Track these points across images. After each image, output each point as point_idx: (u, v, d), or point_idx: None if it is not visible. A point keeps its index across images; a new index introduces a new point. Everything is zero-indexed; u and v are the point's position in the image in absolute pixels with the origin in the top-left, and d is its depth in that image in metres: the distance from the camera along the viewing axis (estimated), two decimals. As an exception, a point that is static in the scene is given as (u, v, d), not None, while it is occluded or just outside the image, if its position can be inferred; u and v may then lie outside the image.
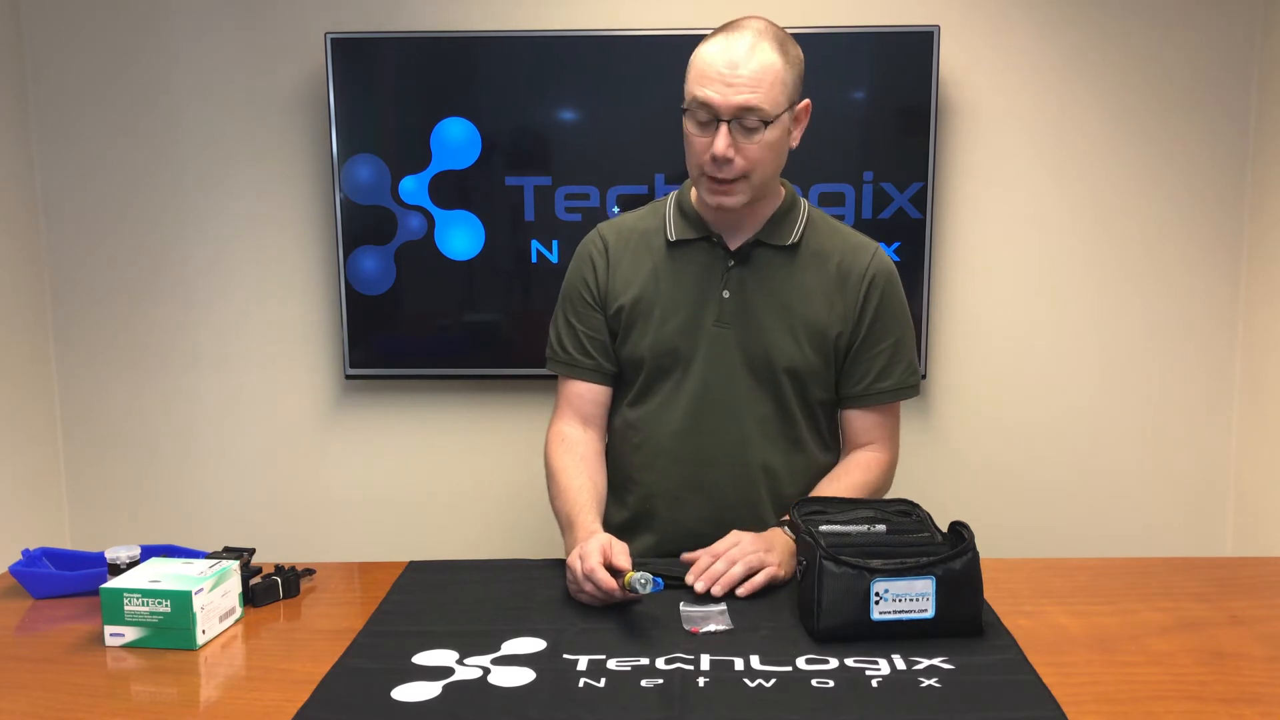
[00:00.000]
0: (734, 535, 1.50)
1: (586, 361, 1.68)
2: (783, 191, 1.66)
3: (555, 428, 1.70)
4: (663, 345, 1.62)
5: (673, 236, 1.64)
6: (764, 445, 1.63)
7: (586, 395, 1.69)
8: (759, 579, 1.44)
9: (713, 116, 1.49)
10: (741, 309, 1.61)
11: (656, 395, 1.65)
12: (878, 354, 1.64)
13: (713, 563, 1.45)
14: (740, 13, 2.51)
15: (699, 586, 1.43)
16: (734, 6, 2.53)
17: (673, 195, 1.69)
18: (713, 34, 1.53)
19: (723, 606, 1.39)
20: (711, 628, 1.33)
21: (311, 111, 2.61)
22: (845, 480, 1.63)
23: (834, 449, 1.72)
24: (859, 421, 1.68)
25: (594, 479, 1.63)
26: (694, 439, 1.63)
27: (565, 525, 1.58)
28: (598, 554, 1.39)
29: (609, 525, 1.64)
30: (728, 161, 1.50)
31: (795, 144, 1.59)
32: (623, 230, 1.69)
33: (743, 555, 1.46)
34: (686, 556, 1.50)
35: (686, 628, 1.33)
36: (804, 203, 1.67)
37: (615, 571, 1.37)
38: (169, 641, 1.31)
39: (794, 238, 1.62)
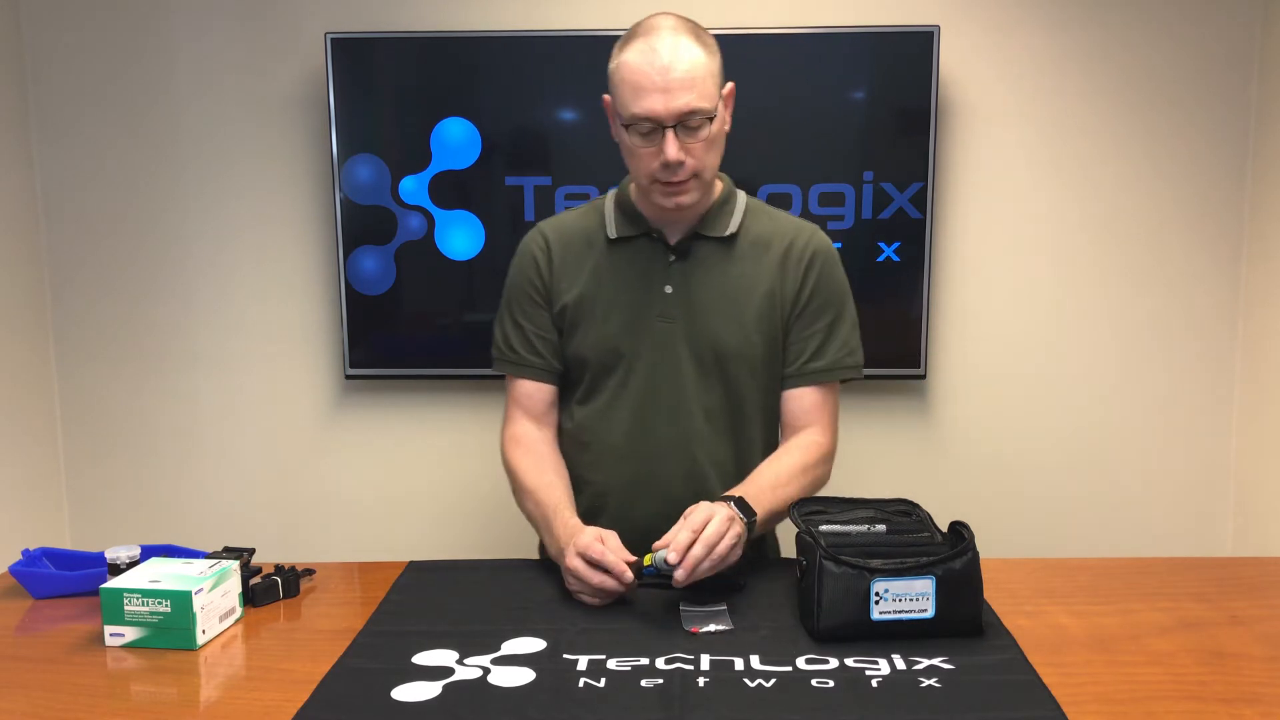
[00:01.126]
0: (703, 512, 1.39)
1: (536, 360, 1.67)
2: (719, 184, 1.65)
3: (509, 431, 1.69)
4: (606, 343, 1.62)
5: (613, 234, 1.64)
6: (712, 438, 1.63)
7: (536, 395, 1.68)
8: (732, 557, 1.40)
9: (656, 125, 1.48)
10: (685, 302, 1.61)
11: (603, 393, 1.64)
12: (813, 333, 1.63)
13: (694, 546, 1.35)
14: (738, 11, 2.53)
15: (680, 572, 1.34)
16: (733, 6, 2.54)
17: (611, 193, 1.69)
18: (627, 41, 1.51)
19: (723, 606, 1.39)
20: (712, 627, 1.33)
21: (311, 111, 2.61)
22: (785, 460, 1.59)
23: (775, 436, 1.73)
24: (794, 403, 1.65)
25: (559, 474, 1.63)
26: (642, 436, 1.63)
27: (542, 524, 1.56)
28: (598, 545, 1.39)
29: None
30: (680, 165, 1.50)
31: (728, 128, 1.57)
32: (563, 229, 1.68)
33: (721, 548, 1.37)
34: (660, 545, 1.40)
35: (686, 628, 1.33)
36: (741, 193, 1.68)
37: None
38: (169, 641, 1.31)
39: (733, 228, 1.62)
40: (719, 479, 1.62)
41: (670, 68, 1.46)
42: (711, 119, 1.49)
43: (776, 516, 1.55)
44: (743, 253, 1.62)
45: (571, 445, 1.69)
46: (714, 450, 1.63)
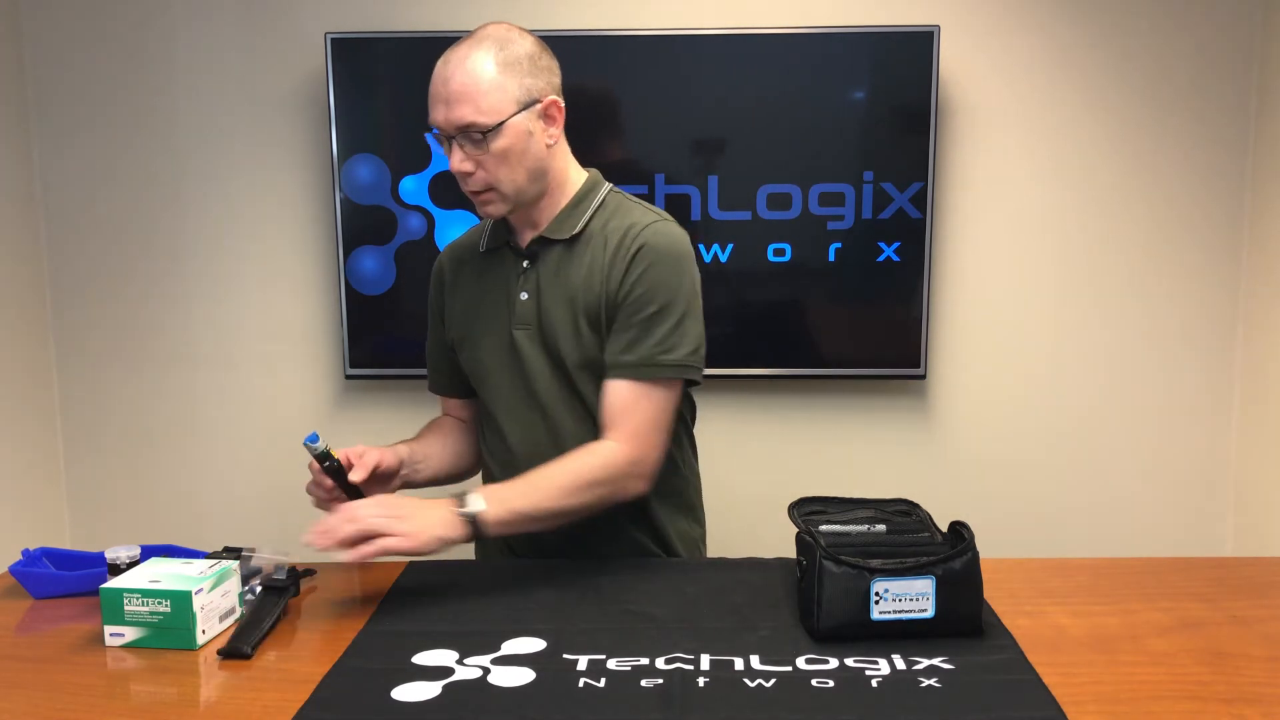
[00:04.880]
0: (376, 497, 1.51)
1: (436, 378, 1.79)
2: (577, 185, 1.61)
3: None
4: (479, 357, 1.64)
5: (483, 247, 1.66)
6: (586, 438, 1.57)
7: (450, 406, 1.81)
8: (368, 549, 1.35)
9: (445, 136, 1.51)
10: (536, 309, 1.59)
11: (486, 409, 1.67)
12: (630, 325, 1.53)
13: (329, 518, 1.40)
14: (735, 12, 2.53)
15: (304, 538, 1.37)
16: (732, 6, 2.54)
17: None
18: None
19: (284, 556, 1.48)
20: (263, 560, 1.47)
21: (311, 111, 2.61)
22: (563, 466, 1.50)
23: None
24: (606, 398, 1.53)
25: (434, 435, 1.75)
26: (525, 447, 1.61)
27: None
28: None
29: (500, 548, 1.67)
30: (468, 175, 1.52)
31: (553, 142, 1.54)
32: (456, 250, 1.72)
33: (364, 518, 1.38)
34: None
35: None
36: (602, 191, 1.62)
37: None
38: (169, 641, 1.31)
39: (577, 228, 1.58)
40: None
41: (449, 79, 1.48)
42: (486, 133, 1.47)
43: (531, 520, 1.47)
44: (582, 251, 1.58)
45: (498, 470, 1.68)
46: None
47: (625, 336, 1.53)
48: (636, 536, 1.65)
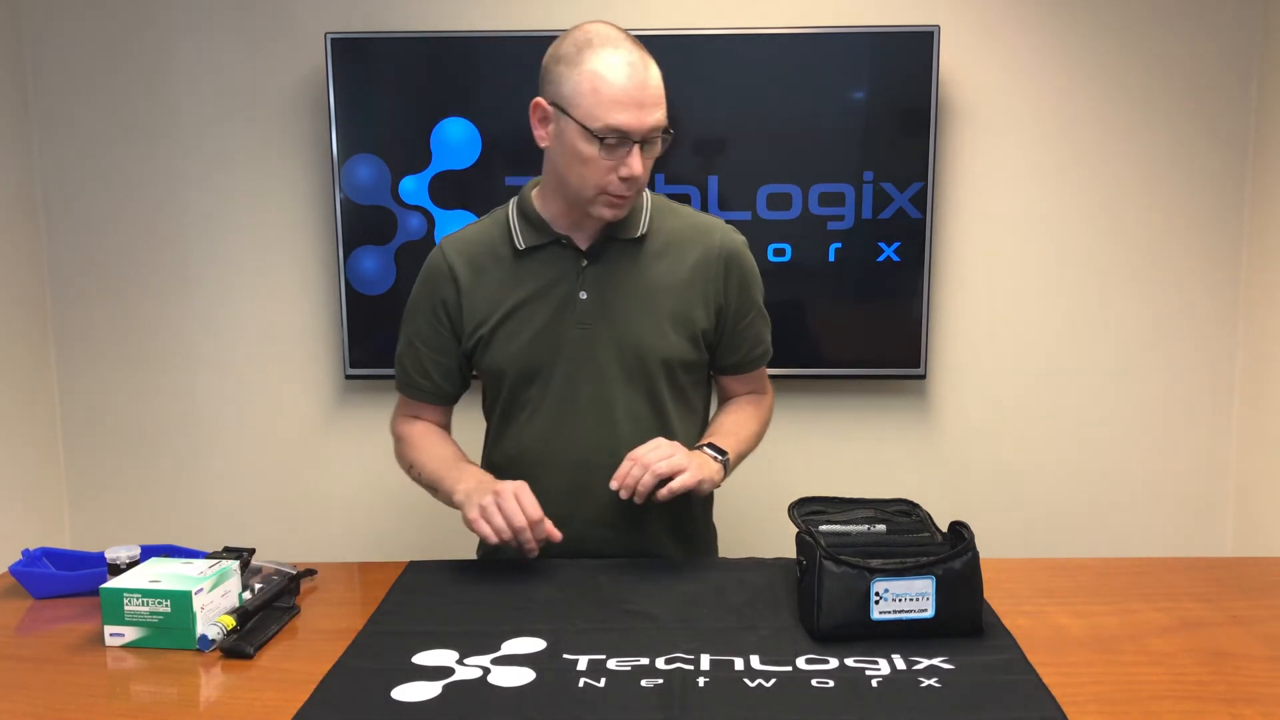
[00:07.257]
0: (655, 441, 1.53)
1: (424, 384, 1.69)
2: None
3: (400, 413, 1.76)
4: (524, 355, 1.61)
5: (521, 245, 1.62)
6: (638, 440, 1.59)
7: (422, 414, 1.75)
8: (675, 485, 1.48)
9: (623, 139, 1.48)
10: (601, 307, 1.60)
11: (524, 408, 1.64)
12: (747, 326, 1.68)
13: (631, 468, 1.49)
14: (735, 12, 2.53)
15: (623, 494, 1.49)
16: (733, 6, 2.54)
17: (513, 202, 1.67)
18: (585, 49, 1.47)
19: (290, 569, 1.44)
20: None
21: (311, 111, 2.61)
22: (739, 409, 1.73)
23: (703, 426, 1.74)
24: (741, 385, 1.76)
25: (450, 441, 1.70)
26: (567, 446, 1.62)
27: (445, 472, 1.61)
28: (534, 502, 1.46)
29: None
30: (637, 179, 1.51)
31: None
32: (467, 245, 1.66)
33: (657, 460, 1.48)
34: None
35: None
36: (646, 191, 1.66)
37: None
38: (169, 641, 1.31)
39: (642, 229, 1.62)
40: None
41: (647, 83, 1.48)
42: (669, 132, 1.52)
43: (743, 454, 1.68)
44: (654, 252, 1.62)
45: (504, 474, 1.66)
46: None
47: (748, 337, 1.70)
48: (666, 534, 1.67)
